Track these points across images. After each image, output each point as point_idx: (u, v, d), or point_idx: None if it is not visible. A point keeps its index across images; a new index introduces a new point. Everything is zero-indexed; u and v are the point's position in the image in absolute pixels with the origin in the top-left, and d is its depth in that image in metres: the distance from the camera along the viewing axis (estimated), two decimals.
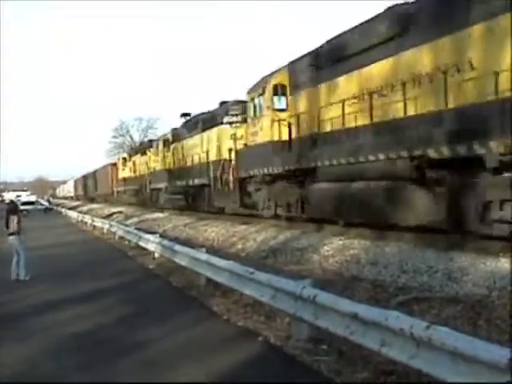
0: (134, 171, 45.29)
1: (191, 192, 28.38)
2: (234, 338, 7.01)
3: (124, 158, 51.53)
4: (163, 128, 59.81)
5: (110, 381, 5.72)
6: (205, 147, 25.24)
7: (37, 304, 9.72)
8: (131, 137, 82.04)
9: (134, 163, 45.99)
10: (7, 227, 13.10)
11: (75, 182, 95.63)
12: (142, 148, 44.69)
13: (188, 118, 31.50)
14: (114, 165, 56.70)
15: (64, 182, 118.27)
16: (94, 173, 69.53)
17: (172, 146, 32.03)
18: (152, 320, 8.23)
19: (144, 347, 6.79)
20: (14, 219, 13.03)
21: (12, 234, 12.98)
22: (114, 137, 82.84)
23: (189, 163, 28.09)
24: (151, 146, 39.24)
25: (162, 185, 33.98)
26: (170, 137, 32.93)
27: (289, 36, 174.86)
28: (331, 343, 6.19)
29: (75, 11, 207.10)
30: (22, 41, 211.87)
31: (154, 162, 37.06)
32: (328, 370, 5.60)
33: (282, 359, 6.12)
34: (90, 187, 73.38)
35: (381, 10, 12.56)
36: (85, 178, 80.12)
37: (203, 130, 25.90)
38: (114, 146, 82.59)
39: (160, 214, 31.21)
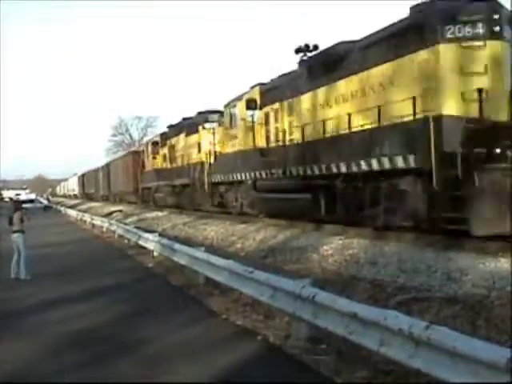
0: (172, 159, 31.31)
1: (359, 188, 13.26)
2: (232, 337, 7.01)
3: (155, 143, 36.23)
4: (162, 126, 58.33)
5: (109, 379, 5.71)
6: (397, 94, 11.86)
7: (36, 302, 9.73)
8: (130, 135, 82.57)
9: (172, 148, 31.73)
10: (10, 224, 13.14)
11: (79, 178, 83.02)
12: (189, 125, 28.65)
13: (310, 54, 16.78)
14: (137, 153, 43.05)
15: (64, 180, 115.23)
16: (107, 166, 55.80)
17: (264, 111, 18.39)
18: (151, 319, 8.24)
19: (142, 346, 6.78)
20: (17, 217, 13.06)
21: (16, 231, 13.00)
22: (114, 135, 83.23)
23: (335, 132, 13.97)
24: (206, 121, 25.83)
25: (240, 176, 20.17)
26: (256, 96, 18.93)
27: (289, 36, 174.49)
28: (330, 342, 6.19)
29: (75, 11, 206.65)
30: (22, 40, 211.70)
31: (217, 141, 23.51)
32: (327, 369, 5.60)
33: (281, 358, 6.12)
34: (100, 184, 59.96)
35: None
36: (94, 172, 66.30)
37: (384, 60, 12.27)
38: (114, 145, 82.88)
39: (159, 213, 31.15)
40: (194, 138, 27.18)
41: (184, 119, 31.13)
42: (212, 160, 23.80)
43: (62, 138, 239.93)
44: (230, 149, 21.63)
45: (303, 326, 6.52)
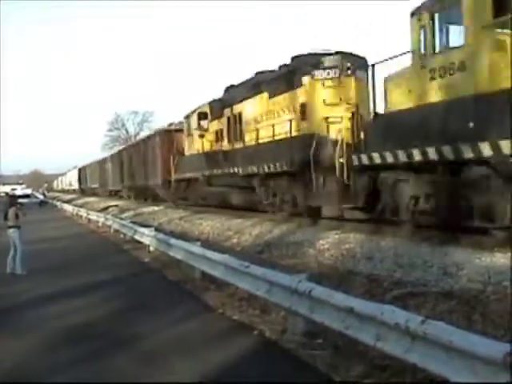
0: (236, 136, 20.82)
1: None
2: (229, 331, 7.00)
3: (202, 115, 24.94)
4: (159, 122, 57.74)
5: (107, 377, 5.69)
6: None
7: (33, 297, 9.70)
8: (127, 130, 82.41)
9: (236, 119, 20.89)
10: (5, 219, 13.08)
11: (81, 170, 73.99)
12: (278, 76, 17.92)
13: None
14: (168, 133, 31.61)
15: (61, 175, 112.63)
16: (119, 153, 46.38)
17: None
18: (147, 314, 8.22)
19: (138, 341, 6.77)
20: (11, 212, 13.01)
21: (11, 227, 12.95)
22: (110, 130, 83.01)
23: None
24: (317, 66, 15.78)
25: (473, 151, 9.19)
26: None
27: (289, 36, 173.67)
28: (327, 337, 6.19)
29: (75, 11, 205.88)
30: (22, 40, 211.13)
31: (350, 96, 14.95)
32: (323, 364, 5.59)
33: (278, 353, 6.12)
34: (108, 177, 50.80)
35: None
36: (98, 164, 57.36)
37: None
38: (110, 140, 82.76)
39: (155, 208, 31.08)
40: (289, 97, 16.80)
41: (258, 73, 20.51)
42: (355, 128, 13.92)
43: (59, 134, 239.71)
44: (430, 97, 10.56)
45: (299, 320, 6.51)
